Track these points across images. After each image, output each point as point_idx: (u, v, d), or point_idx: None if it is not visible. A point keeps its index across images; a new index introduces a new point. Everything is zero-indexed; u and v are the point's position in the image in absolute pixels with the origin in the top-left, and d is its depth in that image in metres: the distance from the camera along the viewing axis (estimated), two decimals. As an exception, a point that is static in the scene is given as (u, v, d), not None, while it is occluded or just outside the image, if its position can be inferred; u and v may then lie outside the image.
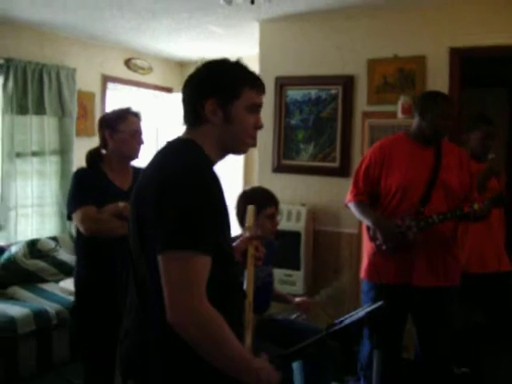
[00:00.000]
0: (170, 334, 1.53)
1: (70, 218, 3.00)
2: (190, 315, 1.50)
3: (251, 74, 1.77)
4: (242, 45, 5.64)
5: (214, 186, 1.62)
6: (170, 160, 1.65)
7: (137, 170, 3.11)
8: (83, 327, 3.07)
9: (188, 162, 1.61)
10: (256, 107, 1.77)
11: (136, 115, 3.10)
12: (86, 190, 2.92)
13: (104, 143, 3.06)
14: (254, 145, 1.86)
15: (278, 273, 3.69)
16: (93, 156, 3.07)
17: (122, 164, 3.08)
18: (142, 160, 3.19)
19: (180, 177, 1.56)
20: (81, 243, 3.02)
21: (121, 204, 2.83)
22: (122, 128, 3.00)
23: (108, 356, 2.90)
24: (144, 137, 3.11)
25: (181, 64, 7.01)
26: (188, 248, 1.51)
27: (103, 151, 3.08)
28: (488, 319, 4.01)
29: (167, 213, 1.53)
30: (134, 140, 3.04)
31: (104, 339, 2.90)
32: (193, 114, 1.74)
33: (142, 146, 3.10)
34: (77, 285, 3.07)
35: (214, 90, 1.70)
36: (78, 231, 2.99)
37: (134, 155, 3.09)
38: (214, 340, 1.52)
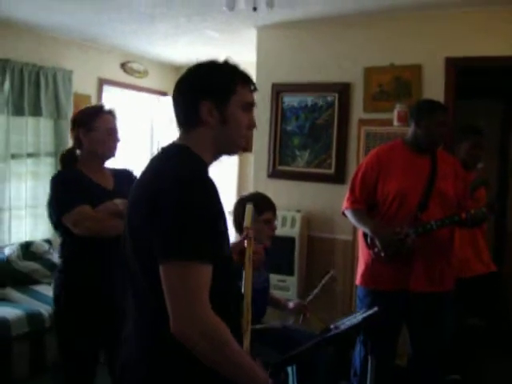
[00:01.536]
0: (168, 343, 1.53)
1: (56, 223, 2.82)
2: (195, 325, 1.48)
3: (242, 73, 1.76)
4: (239, 50, 5.65)
5: (210, 194, 1.60)
6: (165, 169, 1.62)
7: (116, 171, 3.05)
8: (68, 335, 2.87)
9: (183, 171, 1.58)
10: (250, 106, 1.77)
11: (110, 112, 2.99)
12: (73, 190, 2.78)
13: (78, 143, 2.94)
14: (246, 146, 1.85)
15: (272, 278, 3.69)
16: (67, 157, 2.97)
17: (98, 163, 2.97)
18: (120, 159, 3.18)
19: (177, 187, 1.54)
20: (72, 246, 2.84)
21: (118, 201, 2.76)
22: (96, 126, 2.88)
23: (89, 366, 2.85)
24: (120, 135, 3.00)
25: (177, 68, 7.03)
26: (189, 258, 1.50)
27: (78, 152, 2.96)
28: (484, 322, 4.06)
29: (165, 223, 1.51)
30: (110, 138, 2.93)
31: (87, 342, 2.83)
32: (187, 116, 1.73)
33: (118, 144, 2.99)
34: (61, 291, 2.86)
35: (209, 91, 1.69)
36: (67, 234, 2.80)
37: (111, 154, 2.97)
38: (220, 349, 1.51)
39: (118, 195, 2.80)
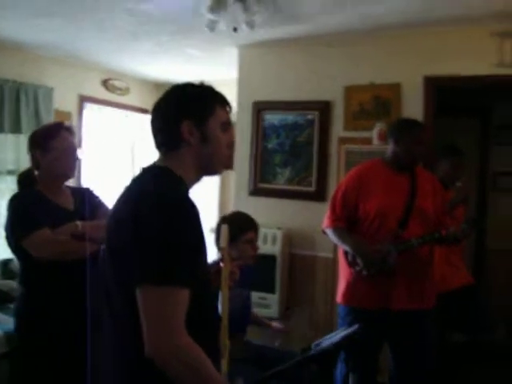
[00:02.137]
0: (146, 366, 1.52)
1: (15, 247, 2.71)
2: (169, 351, 1.48)
3: (219, 94, 1.81)
4: (220, 69, 5.69)
5: (189, 219, 1.59)
6: (145, 194, 1.61)
7: (75, 190, 2.98)
8: (30, 370, 2.71)
9: (162, 197, 1.58)
10: (228, 125, 1.80)
11: (68, 130, 2.89)
12: (33, 213, 2.66)
13: (36, 164, 2.83)
14: (229, 166, 1.87)
15: (253, 296, 3.69)
16: (25, 178, 2.86)
17: (58, 184, 2.87)
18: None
19: (155, 211, 1.54)
20: (33, 271, 2.70)
21: (78, 223, 2.68)
22: (54, 146, 2.78)
23: None
24: (79, 152, 2.90)
25: (158, 86, 7.03)
26: (165, 283, 1.50)
27: (36, 172, 2.85)
28: (467, 336, 4.09)
29: (143, 248, 1.51)
30: (69, 157, 2.83)
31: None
32: (168, 137, 1.74)
33: (77, 163, 2.90)
34: (23, 320, 2.74)
35: (189, 111, 1.72)
36: (27, 259, 2.67)
37: (70, 173, 2.89)
38: (194, 373, 1.51)
39: (79, 215, 2.75)
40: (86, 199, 2.87)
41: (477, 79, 4.17)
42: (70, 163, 2.85)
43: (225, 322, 1.83)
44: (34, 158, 2.85)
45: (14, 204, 2.74)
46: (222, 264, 1.93)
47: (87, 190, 3.07)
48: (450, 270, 3.91)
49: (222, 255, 1.95)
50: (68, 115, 5.90)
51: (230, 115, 1.84)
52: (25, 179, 2.86)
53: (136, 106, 6.92)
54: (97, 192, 3.06)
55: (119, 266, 1.60)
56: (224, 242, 1.98)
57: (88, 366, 2.37)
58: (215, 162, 1.79)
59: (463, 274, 4.01)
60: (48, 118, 5.47)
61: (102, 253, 1.71)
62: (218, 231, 3.09)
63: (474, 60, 4.13)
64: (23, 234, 2.62)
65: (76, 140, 2.96)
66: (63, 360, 2.66)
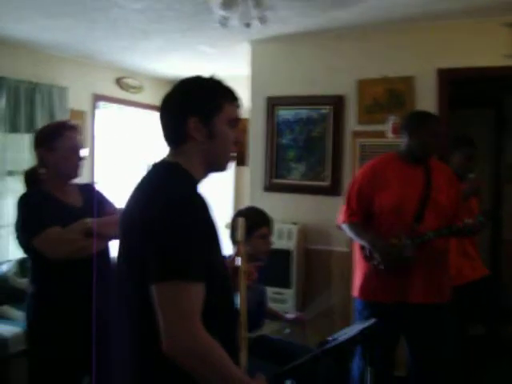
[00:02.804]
0: (162, 362, 1.53)
1: (27, 247, 2.69)
2: (186, 346, 1.49)
3: (228, 89, 1.78)
4: (233, 65, 5.70)
5: (199, 214, 1.60)
6: (154, 190, 1.64)
7: (81, 187, 2.95)
8: (44, 366, 2.72)
9: (172, 194, 1.59)
10: (236, 122, 1.78)
11: (73, 128, 2.87)
12: (42, 212, 2.66)
13: (42, 163, 2.81)
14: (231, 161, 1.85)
15: (269, 291, 3.71)
16: (30, 176, 2.85)
17: (64, 182, 2.84)
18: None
19: (164, 209, 1.55)
20: (45, 270, 2.69)
21: (88, 220, 2.67)
22: (59, 145, 2.76)
23: None
24: (83, 151, 2.88)
25: (171, 83, 7.01)
26: (179, 278, 1.50)
27: (41, 171, 2.83)
28: (485, 329, 4.07)
29: (154, 246, 1.53)
30: (74, 156, 2.80)
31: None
32: (175, 133, 1.74)
33: (82, 162, 2.87)
34: (36, 317, 2.74)
35: (196, 108, 1.71)
36: (38, 258, 2.66)
37: (75, 173, 2.85)
38: (212, 368, 1.52)
39: (88, 213, 2.73)
40: (95, 196, 2.88)
41: (489, 70, 4.15)
42: (74, 162, 2.83)
43: (243, 317, 1.83)
44: (39, 158, 2.84)
45: (23, 203, 2.73)
46: (237, 258, 1.93)
47: (90, 185, 3.09)
48: (467, 261, 3.89)
49: (238, 248, 1.95)
50: (82, 114, 5.94)
51: (239, 111, 1.82)
52: (30, 177, 2.85)
53: (150, 103, 6.94)
54: (101, 189, 3.07)
55: (134, 264, 1.62)
56: (241, 236, 1.98)
57: (93, 363, 2.40)
58: (221, 159, 1.78)
59: (478, 265, 3.99)
60: (63, 118, 5.51)
61: (118, 251, 1.72)
62: (233, 225, 3.09)
63: (486, 51, 4.12)
64: (34, 233, 2.61)
65: (81, 139, 2.91)
66: (75, 357, 2.67)
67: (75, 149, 2.83)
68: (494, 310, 4.08)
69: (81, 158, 2.85)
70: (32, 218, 2.66)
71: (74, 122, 3.19)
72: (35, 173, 2.85)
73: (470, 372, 4.13)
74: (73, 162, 2.82)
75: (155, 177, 1.72)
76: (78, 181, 2.98)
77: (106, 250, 2.85)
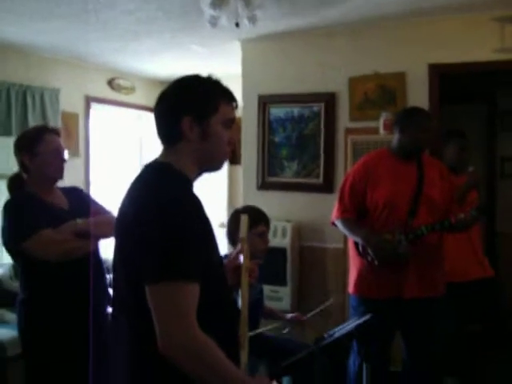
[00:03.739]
0: (159, 362, 1.53)
1: (16, 252, 2.67)
2: (183, 346, 1.49)
3: (225, 89, 1.77)
4: (224, 64, 5.69)
5: (193, 211, 1.60)
6: (148, 189, 1.64)
7: (66, 190, 2.95)
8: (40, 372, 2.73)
9: (163, 197, 1.58)
10: (231, 122, 1.77)
11: (54, 131, 2.89)
12: (31, 214, 2.64)
13: (24, 168, 2.81)
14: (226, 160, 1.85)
15: (265, 289, 3.72)
16: (14, 182, 2.84)
17: (49, 185, 2.85)
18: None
19: (157, 210, 1.55)
20: (37, 274, 2.68)
21: (79, 221, 2.68)
22: (41, 150, 2.75)
23: None
24: (65, 153, 2.87)
25: (163, 83, 7.03)
26: (173, 279, 1.50)
27: (24, 176, 2.83)
28: (482, 325, 4.08)
29: (147, 247, 1.53)
30: (56, 159, 2.81)
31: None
32: (169, 131, 1.73)
33: (65, 164, 2.86)
34: (29, 324, 2.71)
35: (190, 107, 1.69)
36: (26, 263, 2.67)
37: (59, 175, 2.85)
38: (209, 367, 1.51)
39: (75, 214, 2.74)
40: (84, 198, 2.92)
41: (480, 65, 4.17)
42: (58, 165, 2.83)
43: (244, 315, 1.82)
44: (21, 163, 2.82)
45: (10, 208, 2.71)
46: (240, 255, 1.92)
47: (76, 188, 3.08)
48: (472, 257, 3.89)
49: (242, 246, 1.94)
50: (75, 116, 5.93)
51: (235, 112, 1.81)
52: (14, 183, 2.85)
53: (142, 104, 6.93)
54: (87, 191, 3.07)
55: (129, 265, 1.62)
56: (243, 233, 1.97)
57: (90, 364, 2.40)
58: (215, 159, 1.78)
59: (486, 266, 3.99)
60: (55, 120, 5.51)
61: (114, 251, 1.73)
62: (231, 224, 3.07)
63: (477, 46, 4.13)
64: (24, 237, 2.58)
65: (62, 141, 2.91)
66: (69, 359, 2.66)
67: (57, 152, 2.82)
68: (492, 311, 4.09)
69: (64, 160, 2.85)
70: (21, 222, 2.64)
71: (53, 125, 3.17)
72: (19, 178, 2.85)
73: (467, 368, 4.14)
74: (56, 165, 2.82)
75: (147, 177, 1.72)
76: (68, 183, 3.01)
77: (96, 251, 2.85)
